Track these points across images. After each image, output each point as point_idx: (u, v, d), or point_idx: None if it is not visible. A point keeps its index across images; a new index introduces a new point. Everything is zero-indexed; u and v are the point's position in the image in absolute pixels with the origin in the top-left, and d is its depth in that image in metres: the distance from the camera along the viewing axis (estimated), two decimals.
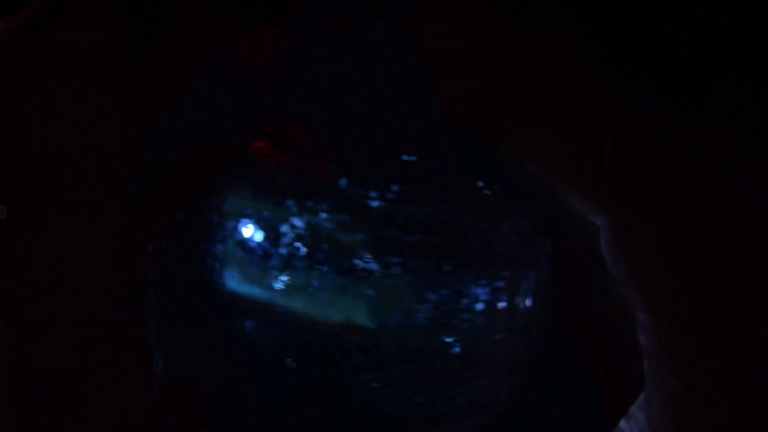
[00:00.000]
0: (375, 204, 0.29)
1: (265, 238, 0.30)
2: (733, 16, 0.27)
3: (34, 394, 0.29)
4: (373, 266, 0.29)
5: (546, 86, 0.28)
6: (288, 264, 0.29)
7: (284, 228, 0.29)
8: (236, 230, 0.30)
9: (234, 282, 0.30)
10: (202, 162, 0.31)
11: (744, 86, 0.27)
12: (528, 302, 0.30)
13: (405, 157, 0.29)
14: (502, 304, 0.29)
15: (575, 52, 0.27)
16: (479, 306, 0.29)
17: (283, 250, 0.29)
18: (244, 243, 0.30)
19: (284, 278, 0.29)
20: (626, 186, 0.27)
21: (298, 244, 0.29)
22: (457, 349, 0.29)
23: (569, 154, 0.28)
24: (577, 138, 0.28)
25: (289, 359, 0.30)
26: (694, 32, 0.27)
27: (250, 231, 0.30)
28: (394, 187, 0.29)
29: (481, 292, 0.29)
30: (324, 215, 0.29)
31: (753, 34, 0.27)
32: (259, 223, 0.30)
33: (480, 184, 0.30)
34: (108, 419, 0.29)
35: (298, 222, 0.29)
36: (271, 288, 0.30)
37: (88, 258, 0.29)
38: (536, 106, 0.28)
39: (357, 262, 0.29)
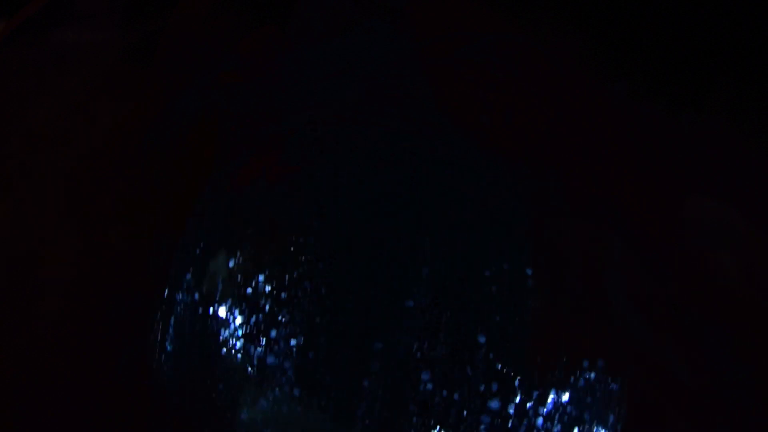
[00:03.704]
0: None
1: None
2: (733, 16, 0.27)
3: (34, 395, 0.29)
4: None
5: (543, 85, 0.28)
6: None
7: None
8: None
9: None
10: (201, 161, 0.31)
11: (744, 86, 0.27)
12: None
13: None
14: None
15: (575, 52, 0.27)
16: None
17: None
18: None
19: None
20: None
21: None
22: None
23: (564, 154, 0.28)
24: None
25: None
26: (694, 32, 0.27)
27: None
28: None
29: None
30: None
31: (753, 34, 0.27)
32: None
33: None
34: (107, 420, 0.29)
35: None
36: None
37: (89, 257, 0.29)
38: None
39: None
